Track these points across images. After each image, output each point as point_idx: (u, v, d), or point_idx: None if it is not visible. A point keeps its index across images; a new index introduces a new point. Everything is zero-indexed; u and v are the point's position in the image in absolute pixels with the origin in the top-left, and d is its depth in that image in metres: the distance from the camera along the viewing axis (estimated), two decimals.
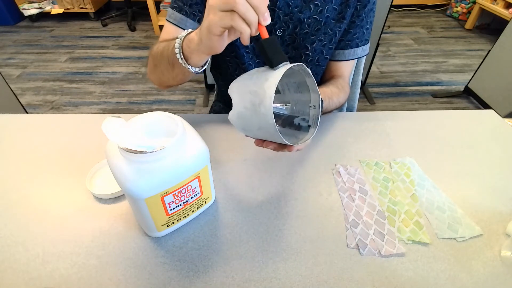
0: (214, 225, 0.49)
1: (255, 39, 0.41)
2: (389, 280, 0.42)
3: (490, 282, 0.42)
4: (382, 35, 1.83)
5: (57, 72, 2.26)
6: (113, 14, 2.98)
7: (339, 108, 0.79)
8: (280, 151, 0.47)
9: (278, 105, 0.51)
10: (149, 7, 2.63)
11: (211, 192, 0.50)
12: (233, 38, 0.44)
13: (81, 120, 0.71)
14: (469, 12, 2.86)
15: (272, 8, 0.62)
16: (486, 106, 1.81)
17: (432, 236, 0.48)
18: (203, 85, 2.08)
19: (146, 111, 0.44)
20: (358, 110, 0.89)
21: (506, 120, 0.71)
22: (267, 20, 0.38)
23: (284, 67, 0.39)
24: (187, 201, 0.45)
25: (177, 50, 0.50)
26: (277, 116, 0.51)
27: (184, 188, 0.43)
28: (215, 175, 0.57)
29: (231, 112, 0.45)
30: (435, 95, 2.02)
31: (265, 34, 0.39)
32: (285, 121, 0.51)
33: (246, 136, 0.48)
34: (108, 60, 2.41)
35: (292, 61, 0.64)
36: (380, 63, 2.36)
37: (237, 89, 0.43)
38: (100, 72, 2.27)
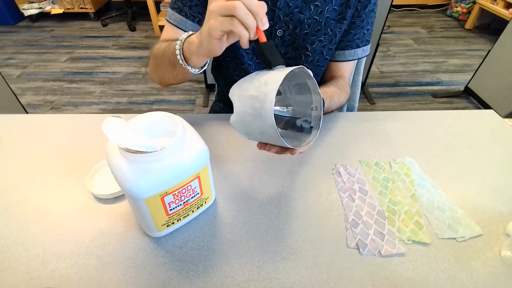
0: (214, 225, 0.49)
1: (254, 41, 0.41)
2: (389, 280, 0.42)
3: (490, 282, 0.42)
4: (382, 35, 1.83)
5: (57, 72, 2.26)
6: (113, 14, 2.98)
7: (340, 108, 0.79)
8: (283, 154, 0.47)
9: (279, 108, 0.51)
10: (149, 7, 2.63)
11: (211, 192, 0.50)
12: (232, 41, 0.45)
13: (81, 120, 0.71)
14: (469, 12, 2.86)
15: (272, 8, 0.62)
16: (486, 106, 1.81)
17: (432, 236, 0.48)
18: (203, 85, 2.08)
19: (146, 111, 0.44)
20: (358, 110, 0.89)
21: (506, 120, 0.71)
22: (265, 25, 0.40)
23: (285, 71, 0.39)
24: (187, 201, 0.45)
25: (177, 52, 0.51)
26: (278, 118, 0.51)
27: (184, 188, 0.43)
28: (215, 175, 0.57)
29: (232, 116, 0.45)
30: (435, 95, 2.02)
31: (263, 38, 0.40)
32: (287, 123, 0.51)
33: (249, 139, 0.48)
34: (108, 60, 2.41)
35: (292, 61, 0.64)
36: (380, 63, 2.36)
37: (238, 93, 0.43)
38: (100, 72, 2.27)
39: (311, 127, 0.48)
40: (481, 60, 1.82)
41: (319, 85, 0.66)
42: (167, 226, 0.46)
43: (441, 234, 0.48)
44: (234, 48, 0.68)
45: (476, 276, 0.43)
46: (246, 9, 0.38)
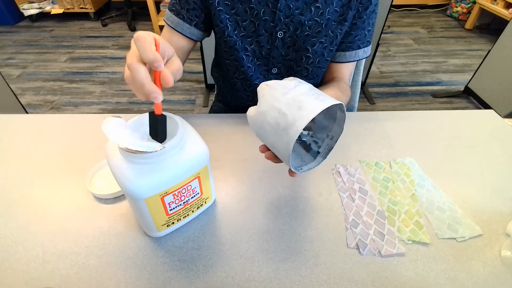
0: (214, 225, 0.49)
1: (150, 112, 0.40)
2: (389, 280, 0.42)
3: (490, 282, 0.42)
4: (382, 35, 1.83)
5: (57, 72, 2.26)
6: (113, 14, 2.98)
7: None
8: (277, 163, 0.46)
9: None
10: (149, 7, 2.63)
11: (211, 192, 0.50)
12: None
13: (81, 120, 0.71)
14: (469, 12, 2.86)
15: (272, 10, 0.61)
16: (486, 106, 1.81)
17: (432, 236, 0.48)
18: (203, 85, 2.08)
19: (146, 111, 0.44)
20: (358, 110, 0.89)
21: (506, 120, 0.71)
22: (157, 99, 0.36)
23: (323, 105, 0.37)
24: (187, 201, 0.45)
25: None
26: None
27: (184, 188, 0.43)
28: (215, 175, 0.57)
29: (253, 111, 0.43)
30: (435, 95, 2.02)
31: (159, 111, 0.38)
32: None
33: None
34: (108, 60, 2.41)
35: (293, 63, 0.64)
36: (380, 63, 2.36)
37: (268, 97, 0.41)
38: (100, 72, 2.27)
39: (318, 152, 0.47)
40: (481, 60, 1.82)
41: (319, 86, 0.66)
42: (167, 226, 0.46)
43: (441, 234, 0.48)
44: (233, 50, 0.68)
45: (476, 276, 0.43)
46: (137, 87, 0.35)
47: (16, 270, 0.43)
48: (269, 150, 0.45)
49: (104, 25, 2.94)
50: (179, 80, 0.64)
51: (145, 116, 0.43)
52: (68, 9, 2.92)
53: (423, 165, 0.59)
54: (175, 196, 0.43)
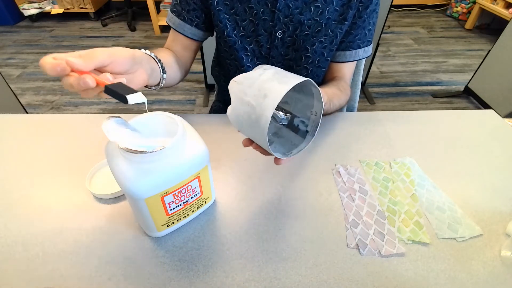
0: (214, 225, 0.49)
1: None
2: (389, 280, 0.42)
3: (490, 282, 0.42)
4: (382, 35, 1.83)
5: None
6: (113, 14, 2.98)
7: (340, 109, 0.79)
8: (266, 155, 0.46)
9: (275, 111, 0.50)
10: (149, 7, 2.63)
11: (211, 192, 0.50)
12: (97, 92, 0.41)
13: (81, 120, 0.71)
14: (469, 12, 2.86)
15: (272, 10, 0.61)
16: (486, 106, 1.81)
17: (432, 236, 0.48)
18: (203, 85, 2.08)
19: (146, 111, 0.44)
20: (358, 110, 0.89)
21: (506, 120, 0.71)
22: (88, 84, 0.35)
23: (287, 86, 0.37)
24: (187, 201, 0.45)
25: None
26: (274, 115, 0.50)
27: (184, 188, 0.43)
28: (215, 175, 0.57)
29: (229, 110, 0.44)
30: (435, 95, 2.02)
31: (105, 81, 0.37)
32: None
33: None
34: None
35: (292, 63, 0.64)
36: (380, 63, 2.36)
37: (237, 93, 0.42)
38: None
39: (307, 132, 0.48)
40: (481, 60, 1.82)
41: (319, 86, 0.66)
42: (167, 226, 0.46)
43: (441, 234, 0.48)
44: (233, 50, 0.68)
45: (476, 276, 0.43)
46: (68, 85, 0.35)
47: (16, 270, 0.43)
48: (252, 142, 0.45)
49: (104, 25, 2.94)
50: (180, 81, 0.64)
51: (145, 116, 0.43)
52: (68, 9, 2.93)
53: (423, 165, 0.59)
54: (175, 196, 0.43)
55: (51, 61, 0.35)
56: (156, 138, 0.43)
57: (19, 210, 0.51)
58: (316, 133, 0.46)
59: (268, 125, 0.37)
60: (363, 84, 2.05)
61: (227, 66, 0.73)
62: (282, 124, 0.50)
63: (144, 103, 0.37)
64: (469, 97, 1.97)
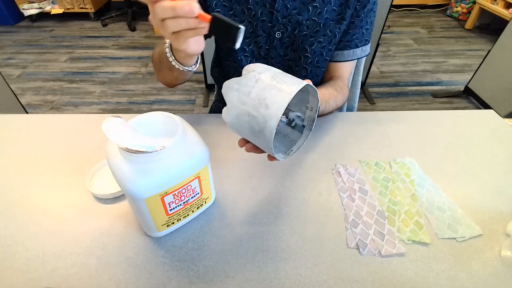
0: (214, 225, 0.49)
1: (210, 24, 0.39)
2: (389, 280, 0.42)
3: (490, 282, 0.42)
4: (382, 35, 1.83)
5: (57, 72, 2.26)
6: (113, 14, 2.98)
7: (339, 108, 0.79)
8: (260, 154, 0.46)
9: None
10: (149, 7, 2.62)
11: (211, 192, 0.50)
12: (200, 32, 0.41)
13: (81, 120, 0.71)
14: (469, 12, 2.86)
15: (270, 10, 0.61)
16: (486, 106, 1.81)
17: (432, 236, 0.48)
18: (203, 85, 2.08)
19: (146, 111, 0.44)
20: (358, 110, 0.89)
21: (506, 120, 0.71)
22: (193, 11, 0.36)
23: (288, 96, 0.36)
24: (187, 201, 0.45)
25: (168, 55, 0.52)
26: None
27: (184, 188, 0.43)
28: (215, 175, 0.56)
29: (226, 116, 0.42)
30: (435, 95, 2.02)
31: (207, 16, 0.37)
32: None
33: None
34: (108, 60, 2.41)
35: (291, 63, 0.63)
36: (380, 63, 2.36)
37: (234, 101, 0.40)
38: (100, 72, 2.27)
39: (303, 126, 0.47)
40: (481, 60, 1.82)
41: (317, 85, 0.66)
42: (167, 226, 0.46)
43: (441, 234, 0.48)
44: (232, 51, 0.68)
45: (476, 276, 0.43)
46: (162, 7, 0.36)
47: (16, 270, 0.43)
48: (248, 142, 0.45)
49: (104, 25, 2.94)
50: (185, 82, 0.65)
51: (145, 116, 0.43)
52: (68, 9, 2.92)
53: (423, 165, 0.59)
54: (175, 196, 0.43)
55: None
56: (156, 138, 0.43)
57: (19, 210, 0.51)
58: (313, 127, 0.46)
59: (273, 135, 0.37)
60: (363, 84, 2.05)
61: (226, 67, 0.73)
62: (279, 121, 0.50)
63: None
64: (469, 97, 1.97)
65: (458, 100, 1.98)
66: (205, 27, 0.38)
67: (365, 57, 0.75)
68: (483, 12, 2.71)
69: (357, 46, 0.69)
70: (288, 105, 0.49)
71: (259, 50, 0.67)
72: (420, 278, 0.43)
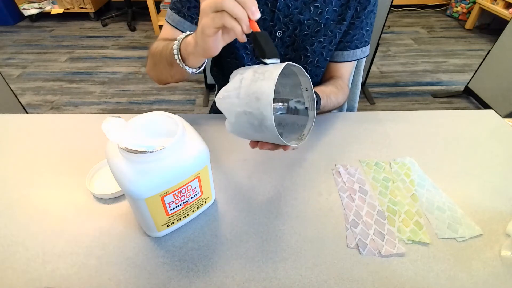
0: (214, 225, 0.49)
1: (249, 34, 0.41)
2: (389, 280, 0.42)
3: (490, 282, 0.42)
4: (382, 35, 1.83)
5: (57, 72, 2.26)
6: (113, 14, 2.98)
7: (340, 108, 0.79)
8: (276, 150, 0.47)
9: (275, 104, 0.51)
10: (149, 7, 2.63)
11: (211, 192, 0.50)
12: (228, 39, 0.44)
13: (81, 120, 0.71)
14: (469, 12, 2.86)
15: (272, 9, 0.62)
16: (486, 106, 1.81)
17: (432, 236, 0.48)
18: (203, 85, 2.08)
19: (146, 111, 0.44)
20: (358, 110, 0.89)
21: (506, 120, 0.71)
22: (256, 15, 0.39)
23: (271, 81, 0.38)
24: (187, 201, 0.45)
25: (175, 52, 0.51)
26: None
27: (184, 188, 0.43)
28: (215, 175, 0.57)
29: (228, 126, 0.44)
30: (435, 95, 2.02)
31: (256, 28, 0.40)
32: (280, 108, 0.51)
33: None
34: (108, 60, 2.41)
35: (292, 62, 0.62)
36: (380, 63, 2.36)
37: (228, 108, 0.42)
38: (100, 72, 2.27)
39: (306, 108, 0.48)
40: (481, 60, 1.82)
41: (318, 86, 0.66)
42: (167, 226, 0.46)
43: (441, 234, 0.48)
44: (233, 49, 0.68)
45: (476, 276, 0.43)
46: (234, 1, 0.38)
47: (16, 270, 0.43)
48: (258, 142, 0.46)
49: (104, 25, 2.94)
50: (180, 81, 0.64)
51: (145, 116, 0.43)
52: (68, 9, 2.92)
53: (423, 165, 0.59)
54: (175, 196, 0.43)
55: None
56: (156, 138, 0.43)
57: (19, 210, 0.51)
58: (315, 106, 0.47)
59: (274, 122, 0.37)
60: (363, 84, 2.05)
61: (226, 65, 0.73)
62: (281, 113, 0.51)
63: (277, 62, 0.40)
64: (469, 97, 1.97)
65: (458, 100, 1.98)
66: (245, 32, 0.40)
67: (365, 58, 0.75)
68: (483, 12, 2.71)
69: (357, 47, 0.70)
70: (283, 94, 0.50)
71: None
72: (420, 278, 0.43)
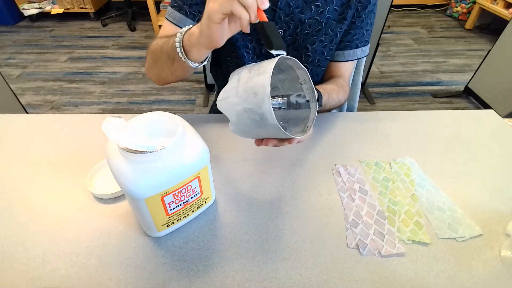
0: (214, 225, 0.49)
1: (255, 24, 0.41)
2: (389, 280, 0.42)
3: (490, 282, 0.42)
4: (382, 35, 1.83)
5: (57, 72, 2.26)
6: (113, 14, 2.98)
7: (339, 108, 0.79)
8: (281, 145, 0.47)
9: (275, 99, 0.51)
10: (149, 7, 2.62)
11: (211, 192, 0.50)
12: (234, 29, 0.44)
13: (81, 120, 0.71)
14: (469, 12, 2.86)
15: (273, 8, 0.62)
16: (486, 106, 1.81)
17: (432, 236, 0.48)
18: (203, 85, 2.08)
19: (146, 111, 0.44)
20: (358, 110, 0.89)
21: (506, 120, 0.71)
22: (265, 4, 0.39)
23: (266, 74, 0.38)
24: (187, 201, 0.45)
25: (177, 44, 0.50)
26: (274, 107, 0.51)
27: (184, 188, 0.43)
28: (215, 175, 0.57)
29: (231, 127, 0.45)
30: (435, 95, 2.01)
31: (264, 18, 0.40)
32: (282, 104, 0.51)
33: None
34: (108, 60, 2.41)
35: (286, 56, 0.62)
36: (380, 63, 2.36)
37: (229, 109, 0.43)
38: (100, 72, 2.27)
39: (308, 101, 0.48)
40: (481, 60, 1.82)
41: (318, 85, 0.66)
42: (167, 226, 0.46)
43: (441, 234, 0.48)
44: (234, 47, 0.68)
45: (476, 276, 0.43)
46: None
47: (16, 270, 0.43)
48: (262, 140, 0.46)
49: (104, 25, 2.94)
50: (179, 80, 0.64)
51: (145, 116, 0.43)
52: (68, 9, 2.92)
53: (423, 165, 0.59)
54: (175, 196, 0.43)
55: None
56: (156, 138, 0.43)
57: (19, 210, 0.51)
58: (317, 97, 0.47)
59: (274, 115, 0.38)
60: (363, 84, 2.05)
61: (226, 64, 0.73)
62: (282, 109, 0.51)
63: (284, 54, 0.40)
64: (469, 97, 1.97)
65: (458, 100, 1.98)
66: (250, 21, 0.40)
67: (365, 58, 0.75)
68: (483, 12, 2.71)
69: (357, 47, 0.70)
70: (283, 90, 0.50)
71: (261, 47, 0.68)
72: (420, 278, 0.43)
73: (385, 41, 2.65)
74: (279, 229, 0.49)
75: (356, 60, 0.74)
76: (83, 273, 0.43)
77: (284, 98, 0.51)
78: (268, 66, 0.39)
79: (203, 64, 0.53)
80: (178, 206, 0.45)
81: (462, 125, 0.70)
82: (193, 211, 0.48)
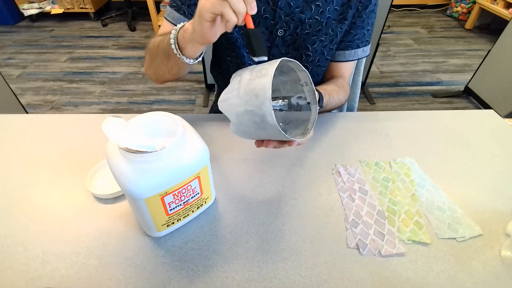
0: (214, 225, 0.49)
1: (241, 27, 0.41)
2: (389, 280, 0.42)
3: (490, 282, 0.42)
4: (382, 35, 1.83)
5: (57, 72, 2.26)
6: (113, 14, 2.98)
7: (339, 108, 0.79)
8: (281, 147, 0.47)
9: (276, 101, 0.51)
10: (149, 7, 2.63)
11: (211, 192, 0.50)
12: (228, 28, 0.44)
13: (81, 120, 0.71)
14: (469, 12, 2.86)
15: (273, 8, 0.62)
16: (486, 106, 1.81)
17: (432, 236, 0.48)
18: (203, 85, 2.08)
19: (146, 111, 0.44)
20: (358, 110, 0.89)
21: (506, 120, 0.71)
22: (254, 10, 0.40)
23: (268, 77, 0.38)
24: (187, 201, 0.45)
25: (172, 41, 0.50)
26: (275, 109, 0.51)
27: (184, 188, 0.43)
28: (215, 175, 0.57)
29: (232, 127, 0.45)
30: (435, 95, 2.01)
31: (250, 25, 0.40)
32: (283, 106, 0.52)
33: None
34: (108, 60, 2.41)
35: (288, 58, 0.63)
36: (380, 63, 2.36)
37: (230, 110, 0.43)
38: (100, 72, 2.26)
39: (308, 103, 0.48)
40: (481, 60, 1.82)
41: (319, 85, 0.66)
42: (167, 226, 0.46)
43: (441, 234, 0.48)
44: (235, 47, 0.68)
45: (476, 276, 0.43)
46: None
47: (16, 270, 0.43)
48: (263, 141, 0.46)
49: (104, 25, 2.94)
50: (179, 80, 0.63)
51: (145, 116, 0.43)
52: (68, 9, 2.92)
53: (423, 165, 0.59)
54: (175, 196, 0.43)
55: None
56: (156, 138, 0.43)
57: (19, 210, 0.51)
58: (317, 100, 0.47)
59: (274, 117, 0.38)
60: (363, 84, 2.05)
61: (226, 64, 0.73)
62: (283, 110, 0.51)
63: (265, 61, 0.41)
64: (469, 97, 1.97)
65: (458, 100, 1.98)
66: (237, 24, 0.40)
67: (365, 58, 0.75)
68: (483, 12, 2.71)
69: (358, 47, 0.70)
70: (284, 92, 0.50)
71: None
72: (420, 278, 0.43)
73: (385, 41, 2.65)
74: (279, 229, 0.49)
75: (357, 60, 0.74)
76: (83, 273, 0.43)
77: (285, 100, 0.51)
78: (269, 68, 0.39)
79: (198, 60, 0.54)
80: (178, 206, 0.45)
81: (462, 125, 0.70)
82: (193, 211, 0.48)
